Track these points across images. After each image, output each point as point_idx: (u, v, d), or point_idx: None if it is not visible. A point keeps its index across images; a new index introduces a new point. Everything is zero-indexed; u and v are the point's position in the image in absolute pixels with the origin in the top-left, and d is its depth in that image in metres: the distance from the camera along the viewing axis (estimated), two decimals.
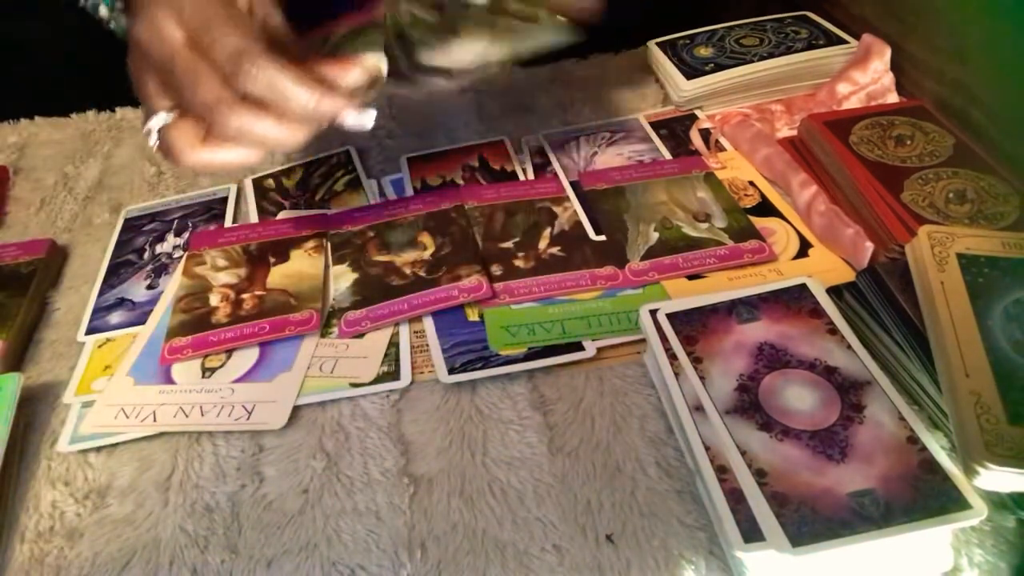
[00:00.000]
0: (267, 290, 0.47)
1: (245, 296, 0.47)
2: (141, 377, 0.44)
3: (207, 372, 0.44)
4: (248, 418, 0.41)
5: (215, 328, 0.45)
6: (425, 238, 0.50)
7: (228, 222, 0.54)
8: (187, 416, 0.41)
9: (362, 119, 0.38)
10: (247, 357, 0.44)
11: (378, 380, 0.42)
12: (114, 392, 0.43)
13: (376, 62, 0.39)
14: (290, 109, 0.37)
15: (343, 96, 0.38)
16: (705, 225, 0.49)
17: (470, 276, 0.46)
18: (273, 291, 0.47)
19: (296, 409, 0.41)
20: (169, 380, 0.43)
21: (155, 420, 0.41)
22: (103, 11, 0.46)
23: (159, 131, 0.39)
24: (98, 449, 0.41)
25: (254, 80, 0.36)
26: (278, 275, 0.48)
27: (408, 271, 0.48)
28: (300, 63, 0.38)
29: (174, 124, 0.39)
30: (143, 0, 0.38)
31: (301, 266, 0.49)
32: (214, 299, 0.47)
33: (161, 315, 0.47)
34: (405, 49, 0.41)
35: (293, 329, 0.45)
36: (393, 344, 0.44)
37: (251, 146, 0.38)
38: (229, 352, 0.44)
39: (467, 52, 0.42)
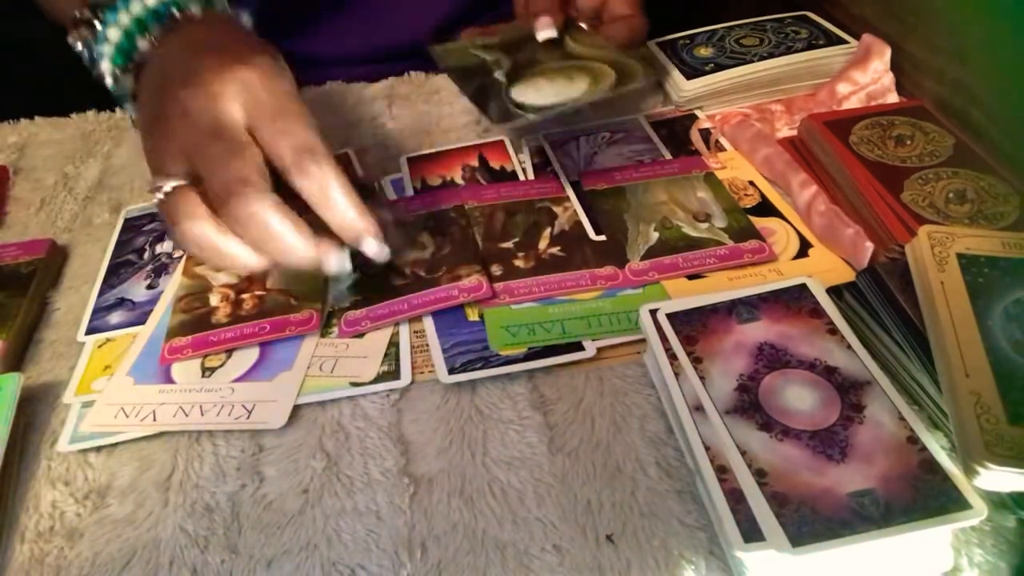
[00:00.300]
0: (267, 290, 0.47)
1: (245, 296, 0.47)
2: (141, 377, 0.44)
3: (207, 371, 0.44)
4: (248, 417, 0.41)
5: (215, 328, 0.45)
6: (425, 238, 0.50)
7: None
8: (187, 416, 0.41)
9: (347, 267, 0.40)
10: (247, 356, 0.44)
11: (378, 380, 0.42)
12: (114, 392, 0.43)
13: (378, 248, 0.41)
14: (328, 218, 0.39)
15: (331, 242, 0.39)
16: (705, 225, 0.49)
17: (470, 276, 0.46)
18: (273, 291, 0.47)
19: (296, 408, 0.41)
20: (169, 380, 0.43)
21: (155, 420, 0.41)
22: (104, 65, 0.45)
23: (167, 192, 0.38)
24: (98, 449, 0.41)
25: (311, 177, 0.38)
26: (278, 275, 0.48)
27: (408, 271, 0.48)
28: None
29: (185, 190, 0.38)
30: (194, 68, 0.39)
31: None
32: (214, 299, 0.47)
33: (161, 315, 0.47)
34: (492, 85, 0.45)
35: (293, 329, 0.45)
36: (393, 344, 0.44)
37: (253, 243, 0.38)
38: (229, 351, 0.44)
39: (551, 93, 0.46)
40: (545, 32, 0.48)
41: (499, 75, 0.47)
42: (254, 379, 0.43)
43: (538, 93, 0.46)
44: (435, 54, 0.54)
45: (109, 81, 0.45)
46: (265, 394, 0.42)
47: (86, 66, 0.46)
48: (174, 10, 0.43)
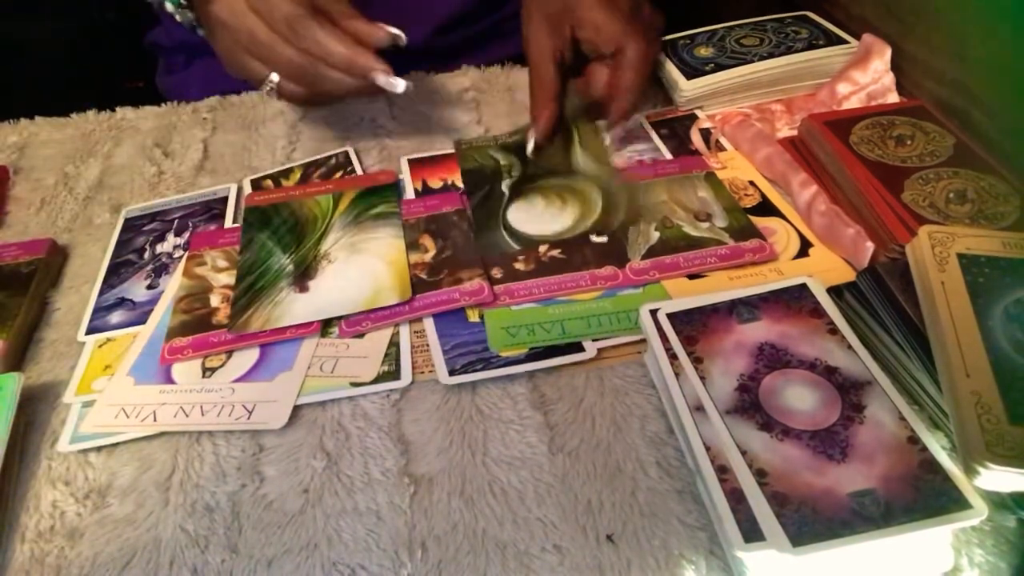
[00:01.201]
0: None
1: None
2: (141, 377, 0.44)
3: (207, 372, 0.44)
4: (248, 418, 0.41)
5: (215, 329, 0.45)
6: (426, 240, 0.50)
7: (228, 222, 0.54)
8: (187, 416, 0.41)
9: (393, 83, 0.49)
10: (247, 357, 0.44)
11: (378, 380, 0.42)
12: (114, 392, 0.43)
13: (397, 31, 0.51)
14: (333, 62, 0.48)
15: (371, 55, 0.49)
16: (706, 224, 0.49)
17: (471, 279, 0.46)
18: None
19: (296, 409, 0.41)
20: (169, 380, 0.43)
21: (155, 420, 0.41)
22: (169, 7, 0.56)
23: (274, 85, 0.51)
24: (98, 449, 0.41)
25: (303, 39, 0.48)
26: None
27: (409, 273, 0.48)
28: (340, 23, 0.49)
29: (281, 80, 0.51)
30: None
31: None
32: (214, 300, 0.47)
33: (161, 315, 0.47)
34: (493, 196, 0.53)
35: (294, 331, 0.44)
36: (393, 344, 0.44)
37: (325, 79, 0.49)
38: (229, 352, 0.44)
39: (539, 215, 0.51)
40: (529, 144, 0.55)
41: (505, 186, 0.53)
42: (254, 379, 0.43)
43: (528, 215, 0.51)
44: (458, 149, 0.58)
45: (179, 19, 0.58)
46: (265, 394, 0.42)
47: (157, 11, 0.59)
48: None
